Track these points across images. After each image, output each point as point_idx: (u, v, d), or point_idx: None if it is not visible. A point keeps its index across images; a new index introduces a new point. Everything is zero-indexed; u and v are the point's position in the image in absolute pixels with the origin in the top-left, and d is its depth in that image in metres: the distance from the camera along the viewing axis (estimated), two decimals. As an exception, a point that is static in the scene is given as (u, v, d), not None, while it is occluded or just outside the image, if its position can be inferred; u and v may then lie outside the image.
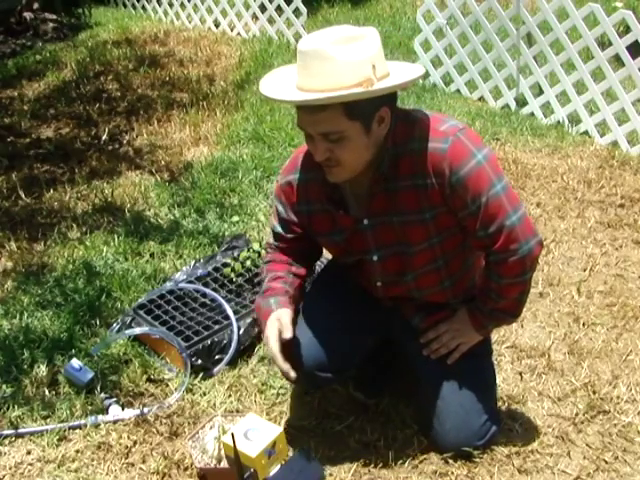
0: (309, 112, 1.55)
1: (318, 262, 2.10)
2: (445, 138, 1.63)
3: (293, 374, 1.74)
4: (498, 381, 2.04)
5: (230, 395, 2.18)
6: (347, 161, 1.61)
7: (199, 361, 2.26)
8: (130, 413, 2.10)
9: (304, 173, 1.81)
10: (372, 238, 1.78)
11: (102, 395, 2.17)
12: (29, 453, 2.02)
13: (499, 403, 2.02)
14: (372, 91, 1.51)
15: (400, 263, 1.79)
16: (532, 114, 4.15)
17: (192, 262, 2.77)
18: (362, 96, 1.51)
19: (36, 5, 6.99)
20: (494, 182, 1.64)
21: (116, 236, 3.09)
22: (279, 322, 1.73)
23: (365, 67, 1.50)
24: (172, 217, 3.28)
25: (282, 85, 1.59)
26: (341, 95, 1.48)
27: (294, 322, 1.79)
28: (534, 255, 1.69)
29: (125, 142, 4.26)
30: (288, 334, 1.71)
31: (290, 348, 1.78)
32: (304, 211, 1.83)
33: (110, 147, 4.20)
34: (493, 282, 1.76)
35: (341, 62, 1.49)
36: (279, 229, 1.90)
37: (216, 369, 2.27)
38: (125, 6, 7.57)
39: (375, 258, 1.80)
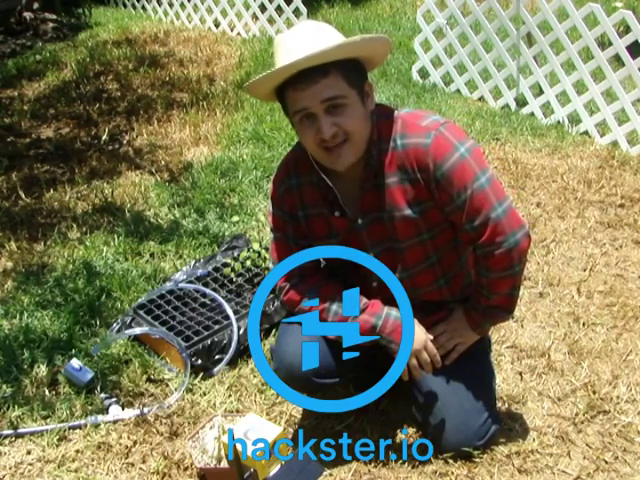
0: (312, 82, 1.56)
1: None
2: (427, 133, 1.64)
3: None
4: (498, 381, 2.04)
5: (230, 395, 2.18)
6: (354, 131, 1.62)
7: (199, 361, 2.26)
8: (130, 413, 2.10)
9: (296, 178, 1.81)
10: (367, 237, 1.78)
11: (102, 395, 2.17)
12: (29, 453, 2.02)
13: (499, 403, 2.01)
14: (369, 38, 1.61)
15: (394, 260, 1.80)
16: (532, 114, 4.15)
17: (192, 262, 2.77)
18: (359, 43, 1.58)
19: (36, 5, 6.98)
20: (478, 175, 1.65)
21: (116, 236, 3.09)
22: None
23: (341, 35, 1.63)
24: (172, 217, 3.28)
25: (278, 66, 1.59)
26: (347, 41, 1.56)
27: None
28: (521, 247, 1.68)
29: (125, 142, 4.26)
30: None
31: None
32: (301, 216, 1.83)
33: (110, 147, 4.20)
34: (483, 277, 1.76)
35: (326, 27, 1.63)
36: (288, 239, 1.85)
37: (216, 369, 2.27)
38: (125, 6, 7.57)
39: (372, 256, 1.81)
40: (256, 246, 2.72)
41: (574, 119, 3.96)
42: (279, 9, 5.58)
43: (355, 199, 1.75)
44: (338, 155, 1.64)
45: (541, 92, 4.11)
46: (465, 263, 1.88)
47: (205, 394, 2.19)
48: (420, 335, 1.80)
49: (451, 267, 1.84)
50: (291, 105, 1.63)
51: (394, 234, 1.76)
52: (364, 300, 1.82)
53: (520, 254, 1.69)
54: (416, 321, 1.81)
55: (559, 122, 4.01)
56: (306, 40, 1.57)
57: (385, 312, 1.80)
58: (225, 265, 2.68)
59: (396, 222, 1.73)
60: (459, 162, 1.63)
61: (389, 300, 1.88)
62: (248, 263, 2.67)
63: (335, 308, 1.81)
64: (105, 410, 2.12)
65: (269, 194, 1.89)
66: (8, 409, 2.15)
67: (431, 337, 1.82)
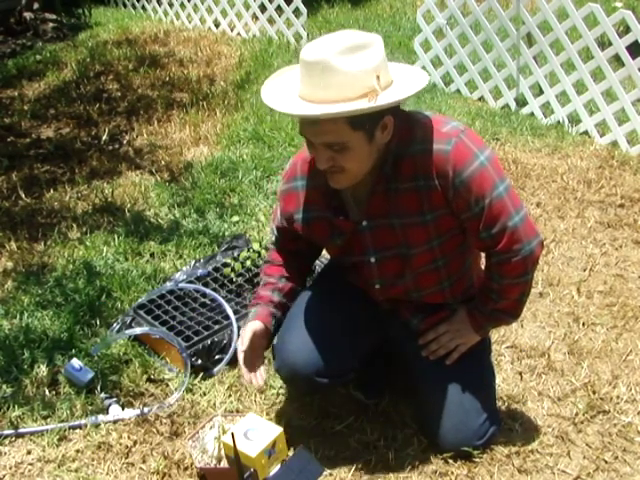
0: (312, 122, 1.54)
1: (317, 262, 2.09)
2: (448, 139, 1.62)
3: (258, 382, 1.88)
4: (498, 381, 2.04)
5: (230, 395, 2.18)
6: (350, 169, 1.61)
7: (199, 361, 2.26)
8: (130, 413, 2.10)
9: (303, 180, 1.81)
10: (370, 240, 1.77)
11: (102, 395, 2.17)
12: (29, 453, 2.02)
13: (499, 403, 2.02)
14: (376, 106, 1.49)
15: (399, 265, 1.79)
16: (532, 114, 4.15)
17: (192, 262, 2.77)
18: (366, 110, 1.50)
19: (36, 5, 6.99)
20: (497, 183, 1.65)
21: (116, 236, 3.09)
22: (248, 333, 1.85)
23: (369, 78, 1.49)
24: (172, 217, 3.28)
25: (284, 93, 1.58)
26: (345, 111, 1.48)
27: (261, 333, 1.87)
28: (536, 255, 1.70)
29: (125, 142, 4.26)
30: (243, 347, 1.85)
31: (257, 358, 1.90)
32: (302, 219, 1.83)
33: (110, 147, 4.20)
34: (494, 283, 1.76)
35: (346, 74, 1.47)
36: (276, 233, 1.96)
37: (216, 369, 2.28)
38: (125, 6, 7.58)
39: (372, 260, 1.80)
40: (256, 246, 2.72)
41: (574, 119, 3.96)
42: (279, 9, 5.59)
43: (362, 201, 1.74)
44: (332, 179, 1.66)
45: (541, 92, 4.11)
46: (469, 267, 1.88)
47: (205, 394, 2.19)
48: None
49: (456, 270, 1.84)
50: (299, 126, 1.62)
51: (404, 240, 1.74)
52: (264, 292, 1.93)
53: (534, 262, 1.71)
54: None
55: (559, 122, 4.01)
56: (321, 82, 1.49)
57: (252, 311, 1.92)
58: (225, 265, 2.68)
59: (407, 228, 1.72)
60: (479, 170, 1.62)
61: (391, 301, 1.89)
62: (248, 263, 2.67)
63: (250, 312, 1.92)
64: (105, 410, 2.12)
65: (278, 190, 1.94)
66: (8, 409, 2.15)
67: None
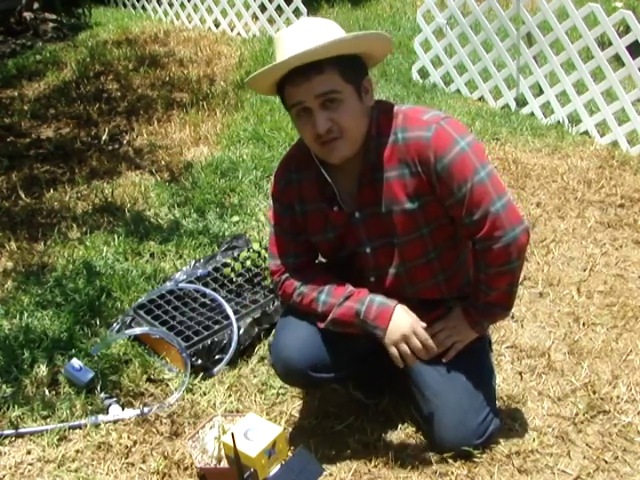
0: (306, 78, 1.58)
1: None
2: (428, 126, 1.66)
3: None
4: (498, 381, 2.04)
5: (230, 395, 2.18)
6: (349, 127, 1.64)
7: (199, 361, 2.26)
8: (130, 413, 2.10)
9: (297, 173, 1.83)
10: (364, 230, 1.79)
11: (102, 395, 2.17)
12: (29, 453, 2.02)
13: (499, 403, 2.01)
14: (362, 35, 1.63)
15: (392, 254, 1.80)
16: (532, 114, 4.15)
17: (192, 262, 2.77)
18: (351, 41, 1.61)
19: (36, 5, 6.99)
20: (478, 169, 1.66)
21: (116, 236, 3.09)
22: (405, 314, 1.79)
23: (342, 31, 1.68)
24: (172, 217, 3.28)
25: (277, 60, 1.62)
26: (343, 38, 1.59)
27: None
28: (520, 243, 1.69)
29: (125, 142, 4.26)
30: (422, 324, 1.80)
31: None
32: (299, 211, 1.84)
33: (110, 147, 4.20)
34: (482, 273, 1.77)
35: (326, 24, 1.66)
36: (285, 233, 1.87)
37: (216, 369, 2.28)
38: (125, 6, 7.58)
39: (368, 250, 1.81)
40: (256, 246, 2.72)
41: (574, 119, 3.96)
42: (279, 9, 5.59)
43: (353, 193, 1.76)
44: (332, 148, 1.66)
45: (541, 92, 4.11)
46: (464, 262, 1.88)
47: (205, 394, 2.19)
48: (406, 319, 1.77)
49: (450, 264, 1.85)
50: (288, 99, 1.66)
51: (393, 229, 1.76)
52: (350, 288, 1.81)
53: (519, 249, 1.70)
54: (404, 307, 1.79)
55: (559, 122, 4.01)
56: (300, 37, 1.59)
57: (369, 298, 1.79)
58: (225, 265, 2.68)
59: (395, 216, 1.74)
60: (459, 155, 1.64)
61: (386, 294, 1.88)
62: (248, 263, 2.67)
63: (324, 298, 1.81)
64: (105, 410, 2.12)
65: (270, 188, 1.90)
66: (8, 409, 2.15)
67: (423, 324, 1.78)
